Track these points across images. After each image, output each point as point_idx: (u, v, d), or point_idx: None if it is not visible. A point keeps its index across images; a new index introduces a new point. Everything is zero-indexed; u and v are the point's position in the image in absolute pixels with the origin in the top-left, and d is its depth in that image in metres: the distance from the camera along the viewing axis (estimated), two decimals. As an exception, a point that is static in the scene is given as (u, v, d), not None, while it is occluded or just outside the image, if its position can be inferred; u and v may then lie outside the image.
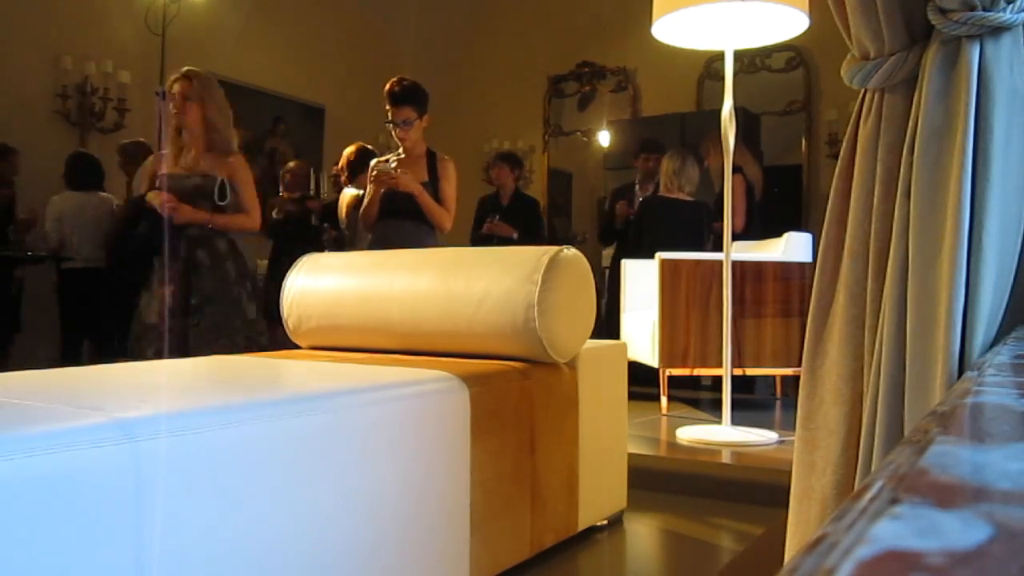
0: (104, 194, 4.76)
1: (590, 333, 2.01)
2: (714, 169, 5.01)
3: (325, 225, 4.90)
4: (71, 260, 4.60)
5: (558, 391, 1.89)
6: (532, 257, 1.89)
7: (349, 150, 4.42)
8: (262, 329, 3.14)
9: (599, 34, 6.87)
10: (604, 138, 6.83)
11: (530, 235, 4.91)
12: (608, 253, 5.34)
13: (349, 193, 4.31)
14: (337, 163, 4.80)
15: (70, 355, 4.63)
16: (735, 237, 4.31)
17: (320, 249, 4.97)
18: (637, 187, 4.98)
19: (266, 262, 5.21)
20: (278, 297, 2.30)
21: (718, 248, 4.08)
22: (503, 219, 4.94)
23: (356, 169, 4.35)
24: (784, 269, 3.66)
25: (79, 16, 5.46)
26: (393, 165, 3.28)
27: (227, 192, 2.98)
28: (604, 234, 5.25)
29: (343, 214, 4.28)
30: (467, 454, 1.57)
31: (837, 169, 1.20)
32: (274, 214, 4.99)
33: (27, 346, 4.83)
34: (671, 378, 3.61)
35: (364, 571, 1.34)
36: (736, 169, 4.51)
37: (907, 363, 1.00)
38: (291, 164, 5.52)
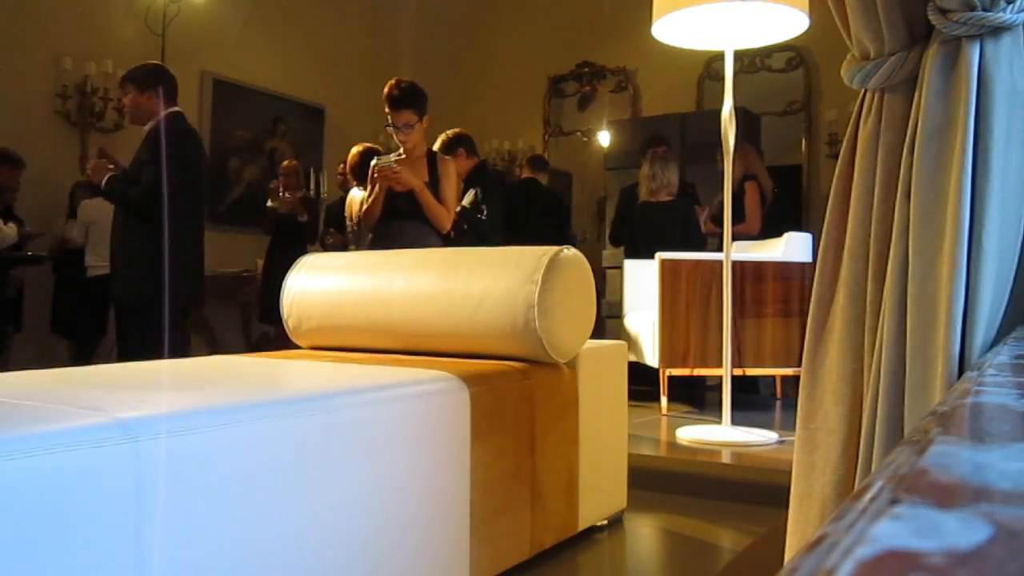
0: None
1: (590, 333, 2.01)
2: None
3: (332, 229, 4.91)
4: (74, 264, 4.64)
5: (558, 391, 1.89)
6: (532, 257, 1.89)
7: (354, 151, 4.38)
8: None
9: (599, 34, 6.87)
10: (604, 138, 6.83)
11: None
12: (608, 253, 5.33)
13: (359, 195, 4.30)
14: (344, 162, 4.81)
15: (83, 356, 4.68)
16: (748, 240, 4.33)
17: (322, 249, 4.99)
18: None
19: (262, 261, 5.25)
20: (277, 296, 2.30)
21: (716, 247, 4.09)
22: None
23: (362, 170, 4.33)
24: (784, 269, 3.66)
25: (79, 16, 5.45)
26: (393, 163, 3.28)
27: None
28: (612, 236, 5.25)
29: (351, 214, 4.27)
30: (467, 454, 1.57)
31: (837, 169, 1.20)
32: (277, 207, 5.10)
33: (27, 346, 4.83)
34: (671, 378, 3.61)
35: (364, 571, 1.34)
36: (751, 177, 4.56)
37: (907, 363, 1.00)
38: (284, 163, 5.51)
